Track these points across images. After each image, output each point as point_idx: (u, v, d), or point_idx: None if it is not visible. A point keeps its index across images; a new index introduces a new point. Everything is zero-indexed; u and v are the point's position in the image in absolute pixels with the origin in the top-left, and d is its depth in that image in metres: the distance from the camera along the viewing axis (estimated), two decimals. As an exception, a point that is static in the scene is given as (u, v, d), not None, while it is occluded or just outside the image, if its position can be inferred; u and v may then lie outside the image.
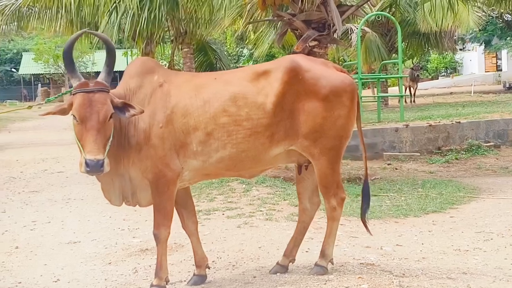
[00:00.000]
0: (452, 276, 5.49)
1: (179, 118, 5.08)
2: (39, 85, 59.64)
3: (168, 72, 5.42)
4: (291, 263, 5.68)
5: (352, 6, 11.78)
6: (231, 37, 36.07)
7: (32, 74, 59.69)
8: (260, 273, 5.63)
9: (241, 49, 45.82)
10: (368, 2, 24.40)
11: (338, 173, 5.45)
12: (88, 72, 48.34)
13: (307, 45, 11.07)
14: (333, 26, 10.99)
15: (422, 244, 6.80)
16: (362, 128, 5.80)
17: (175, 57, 22.13)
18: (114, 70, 4.98)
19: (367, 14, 20.83)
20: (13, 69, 60.98)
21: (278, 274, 5.55)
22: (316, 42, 11.22)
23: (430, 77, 51.91)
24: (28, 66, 58.49)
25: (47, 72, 57.56)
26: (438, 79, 51.03)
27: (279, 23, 13.03)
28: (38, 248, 7.00)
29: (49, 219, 8.47)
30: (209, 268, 5.60)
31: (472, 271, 5.69)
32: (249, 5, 12.86)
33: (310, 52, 10.86)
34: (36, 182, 11.62)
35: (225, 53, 35.67)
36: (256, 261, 6.11)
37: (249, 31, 19.20)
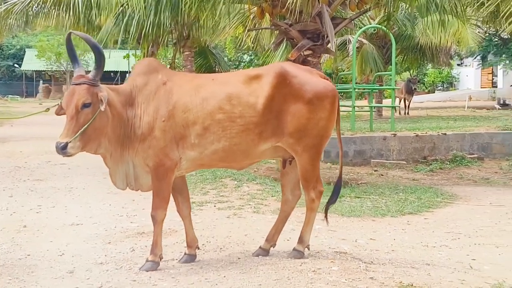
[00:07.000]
0: (415, 266, 6.15)
1: (180, 113, 5.76)
2: (41, 81, 60.55)
3: (171, 72, 6.15)
4: (272, 247, 6.36)
5: (345, 19, 12.41)
6: (231, 43, 36.64)
7: (34, 70, 60.10)
8: (244, 255, 6.30)
9: (241, 55, 46.45)
10: (368, 15, 25.32)
11: (317, 169, 6.14)
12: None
13: (302, 53, 11.68)
14: (326, 37, 11.60)
15: (394, 239, 7.46)
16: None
17: (176, 60, 22.72)
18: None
19: (363, 26, 21.54)
20: (15, 65, 61.59)
21: (260, 256, 6.23)
22: (310, 52, 11.83)
23: (426, 90, 52.58)
24: (31, 63, 58.72)
25: (49, 69, 58.17)
26: (434, 92, 51.68)
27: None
28: (44, 227, 7.65)
29: (53, 204, 9.13)
30: (198, 249, 6.27)
31: (435, 263, 6.33)
32: (252, 14, 13.47)
33: (304, 61, 11.48)
34: (40, 171, 12.27)
35: (225, 58, 36.36)
36: (242, 245, 6.77)
37: (245, 38, 19.60)
